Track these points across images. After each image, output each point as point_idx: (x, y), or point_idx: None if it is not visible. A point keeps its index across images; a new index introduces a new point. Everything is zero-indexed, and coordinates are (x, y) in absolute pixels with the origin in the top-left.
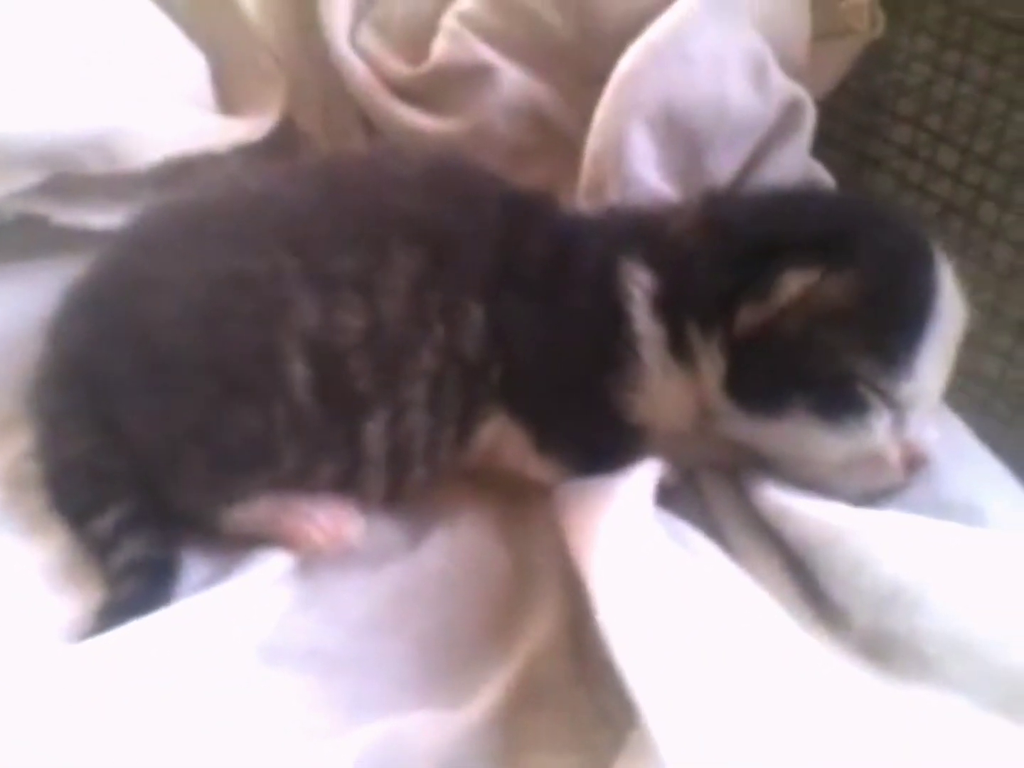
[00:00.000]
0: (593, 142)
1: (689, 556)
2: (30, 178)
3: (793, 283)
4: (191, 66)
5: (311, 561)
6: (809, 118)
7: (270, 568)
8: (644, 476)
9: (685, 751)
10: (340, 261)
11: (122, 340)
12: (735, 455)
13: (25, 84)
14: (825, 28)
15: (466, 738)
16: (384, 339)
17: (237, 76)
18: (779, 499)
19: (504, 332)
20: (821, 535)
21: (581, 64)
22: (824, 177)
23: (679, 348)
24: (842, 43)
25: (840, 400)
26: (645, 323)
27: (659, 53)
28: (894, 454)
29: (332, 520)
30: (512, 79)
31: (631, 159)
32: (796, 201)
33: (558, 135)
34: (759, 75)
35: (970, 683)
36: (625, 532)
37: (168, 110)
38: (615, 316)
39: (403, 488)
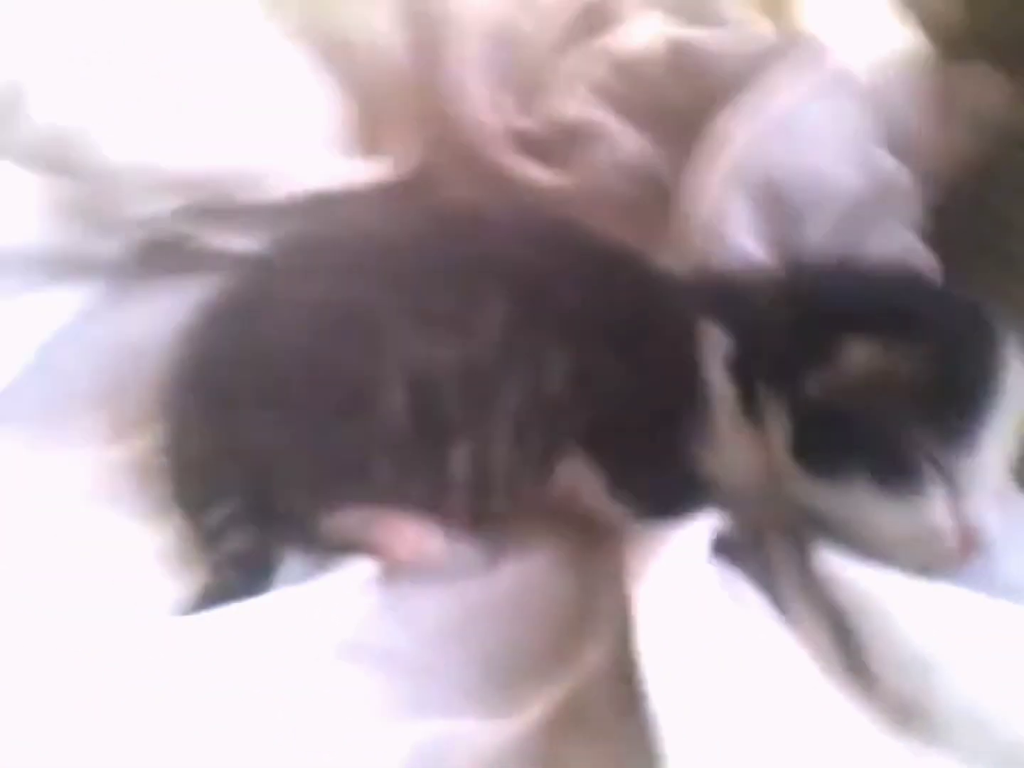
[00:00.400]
0: (689, 204)
1: (736, 607)
2: (180, 200)
3: (856, 351)
4: (337, 110)
5: (394, 571)
6: (908, 200)
7: (356, 573)
8: (702, 525)
9: None
10: (438, 300)
11: (243, 353)
12: (802, 518)
13: (183, 115)
14: None
15: (510, 746)
16: (474, 376)
17: (384, 120)
18: (831, 563)
19: (586, 379)
20: (858, 597)
21: (686, 124)
22: (925, 258)
23: (750, 409)
24: None
25: (898, 471)
26: (717, 380)
27: (770, 127)
28: (950, 531)
29: (417, 536)
30: (626, 140)
31: (729, 228)
32: (872, 277)
33: (663, 195)
34: (861, 155)
35: (979, 754)
36: (673, 576)
37: (310, 149)
38: (691, 373)
39: (486, 514)
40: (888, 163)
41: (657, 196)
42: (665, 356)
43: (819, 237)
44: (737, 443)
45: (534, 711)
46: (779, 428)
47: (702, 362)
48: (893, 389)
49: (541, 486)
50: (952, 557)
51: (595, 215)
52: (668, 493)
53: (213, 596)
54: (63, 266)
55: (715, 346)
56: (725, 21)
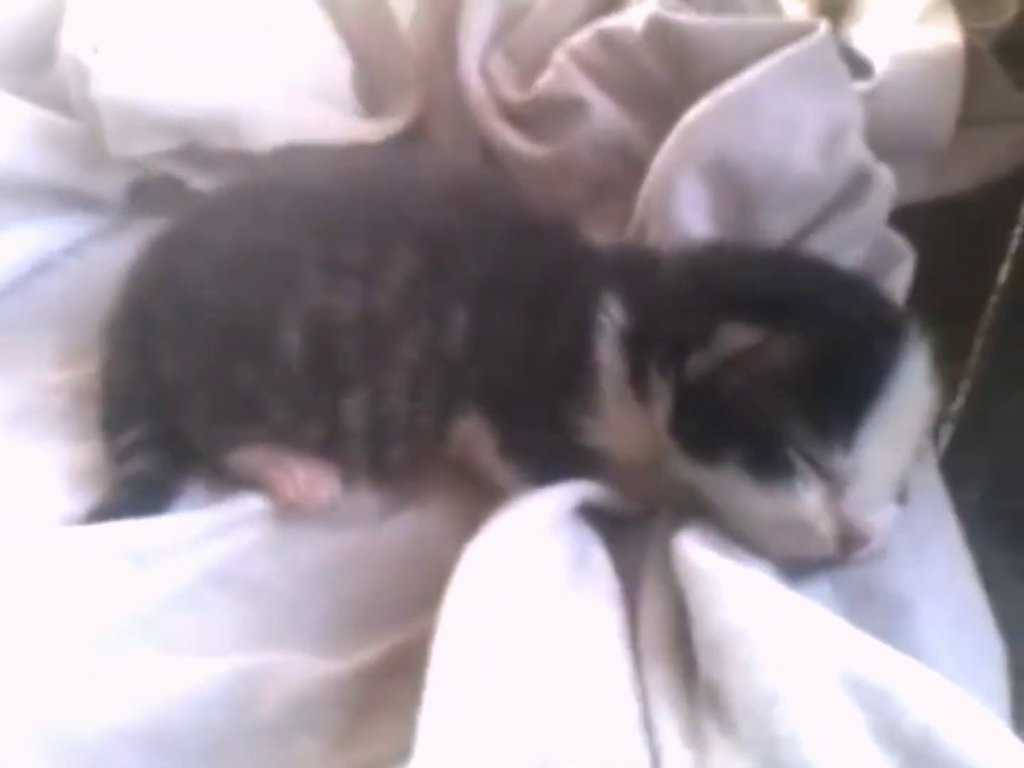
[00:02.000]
0: (646, 184)
1: (569, 576)
2: (166, 144)
3: (733, 337)
4: (333, 64)
5: (286, 511)
6: (878, 192)
7: (246, 507)
8: (562, 493)
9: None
10: (350, 251)
11: (165, 287)
12: (685, 497)
13: (171, 60)
14: (986, 112)
15: (326, 683)
16: (372, 327)
17: (379, 80)
18: (683, 543)
19: (485, 339)
20: (692, 576)
21: (672, 107)
22: (903, 250)
23: (638, 384)
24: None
25: (768, 460)
26: (607, 355)
27: (725, 105)
28: (824, 526)
29: (310, 479)
30: (604, 114)
31: (676, 204)
32: (777, 263)
33: (641, 173)
34: (831, 143)
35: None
36: (500, 538)
37: (297, 100)
38: (584, 345)
39: (384, 465)
40: (863, 156)
41: (634, 173)
42: (561, 325)
43: (776, 224)
44: (624, 418)
45: (369, 654)
46: (662, 407)
47: (595, 335)
48: (769, 378)
49: (438, 442)
50: (826, 552)
51: (569, 188)
52: (554, 460)
53: (103, 512)
54: (58, 200)
55: (611, 320)
56: (744, 10)
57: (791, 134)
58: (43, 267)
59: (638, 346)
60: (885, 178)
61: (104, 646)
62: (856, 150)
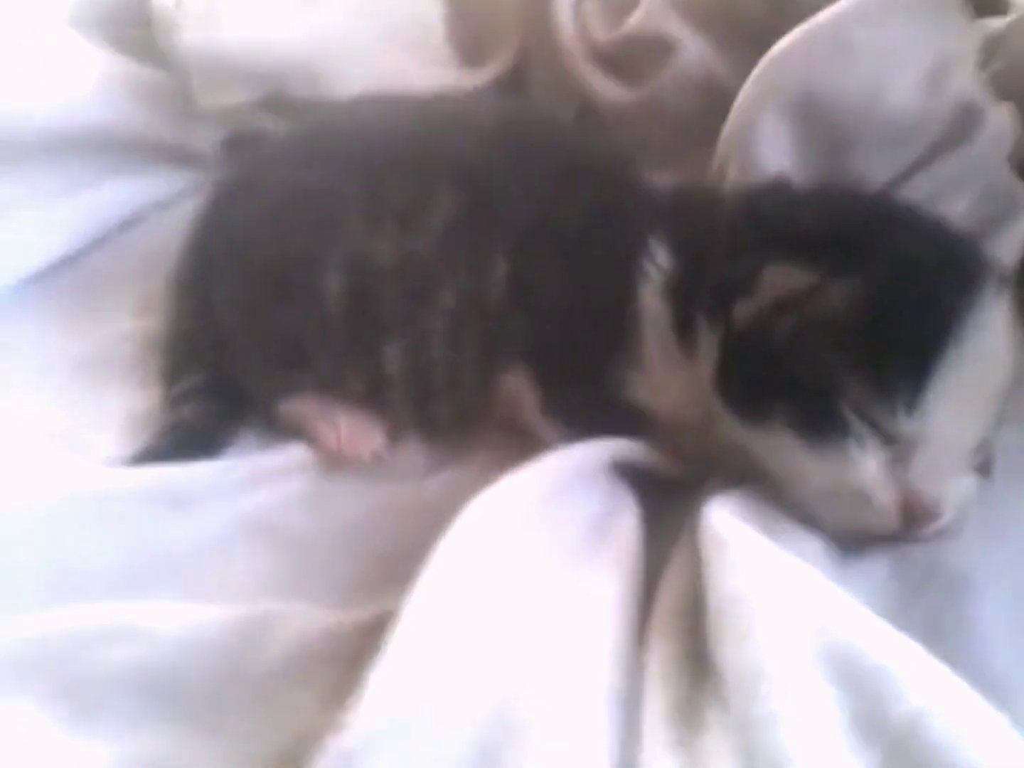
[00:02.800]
0: (727, 122)
1: (583, 537)
2: (250, 93)
3: (779, 279)
4: (427, 12)
5: (330, 464)
6: (990, 133)
7: (289, 457)
8: (588, 451)
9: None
10: (392, 194)
11: (220, 230)
12: (736, 461)
13: (256, 6)
14: None
15: (326, 637)
16: (411, 272)
17: (474, 28)
18: (713, 511)
19: (528, 287)
20: (710, 544)
21: (764, 44)
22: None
23: (685, 336)
24: None
25: (821, 420)
26: (652, 303)
27: (816, 35)
28: (885, 496)
29: (354, 431)
30: (694, 52)
31: (757, 143)
32: (842, 200)
33: None
34: (934, 78)
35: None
36: (504, 493)
37: (384, 48)
38: (627, 292)
39: (429, 420)
40: (972, 93)
41: (724, 115)
42: (604, 272)
43: (871, 166)
44: (670, 372)
45: (368, 610)
46: (709, 360)
47: (640, 282)
48: (823, 326)
49: (483, 397)
50: (888, 525)
51: (657, 133)
52: (597, 417)
53: (147, 455)
54: (151, 155)
55: (656, 266)
56: None
57: (889, 67)
58: (135, 221)
59: (686, 294)
60: (1002, 119)
61: (126, 586)
62: (964, 87)
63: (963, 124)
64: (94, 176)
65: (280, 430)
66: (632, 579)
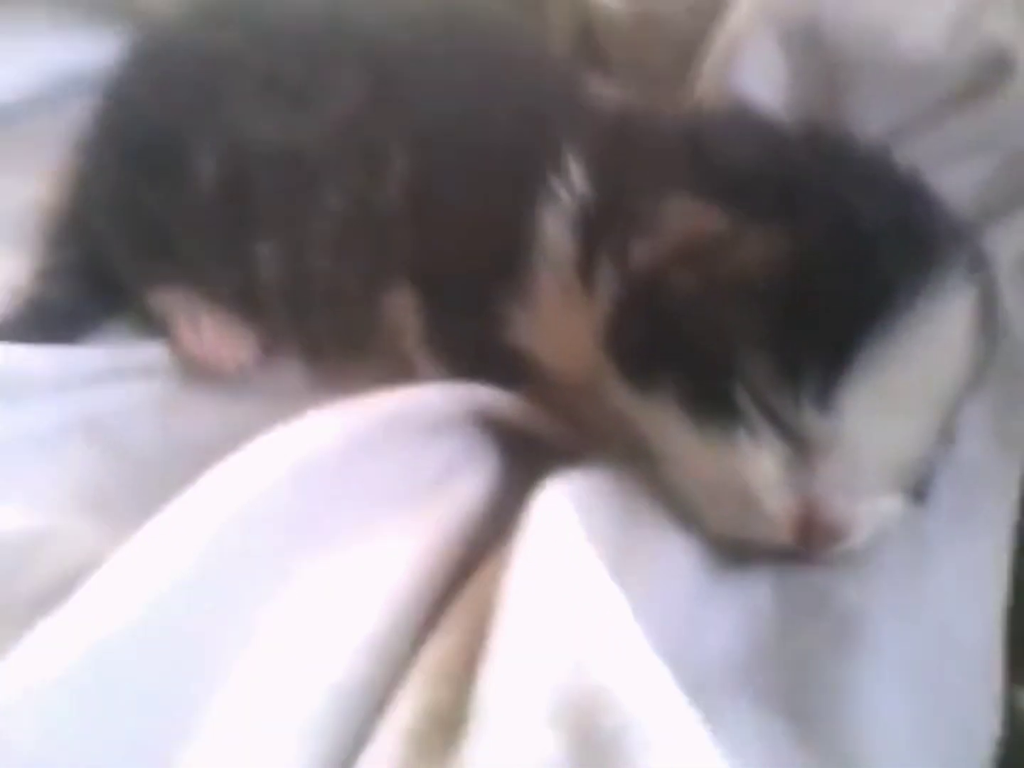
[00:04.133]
0: (714, 46)
1: (395, 495)
2: None
3: (677, 218)
4: None
5: (188, 370)
6: (1018, 85)
7: (142, 356)
8: (434, 394)
9: None
10: (291, 67)
11: (110, 97)
12: (624, 434)
13: None
14: None
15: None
16: (296, 162)
17: None
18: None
19: (424, 194)
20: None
21: None
22: None
23: (588, 276)
24: None
25: (711, 399)
26: (554, 229)
27: None
28: (778, 503)
29: (219, 336)
30: None
31: (741, 73)
32: (790, 136)
33: None
34: (961, 16)
35: None
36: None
37: None
38: (527, 212)
39: (309, 336)
40: (1006, 37)
41: None
42: (507, 186)
43: (870, 113)
44: (564, 316)
45: None
46: (601, 307)
47: (543, 202)
48: (731, 284)
49: (367, 316)
50: (780, 540)
51: (656, 54)
52: (481, 360)
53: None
54: (101, 11)
55: (569, 187)
56: None
57: (913, 6)
58: (80, 83)
59: (596, 226)
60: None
61: None
62: (996, 29)
63: (989, 74)
64: (32, 30)
65: (152, 324)
66: (435, 558)
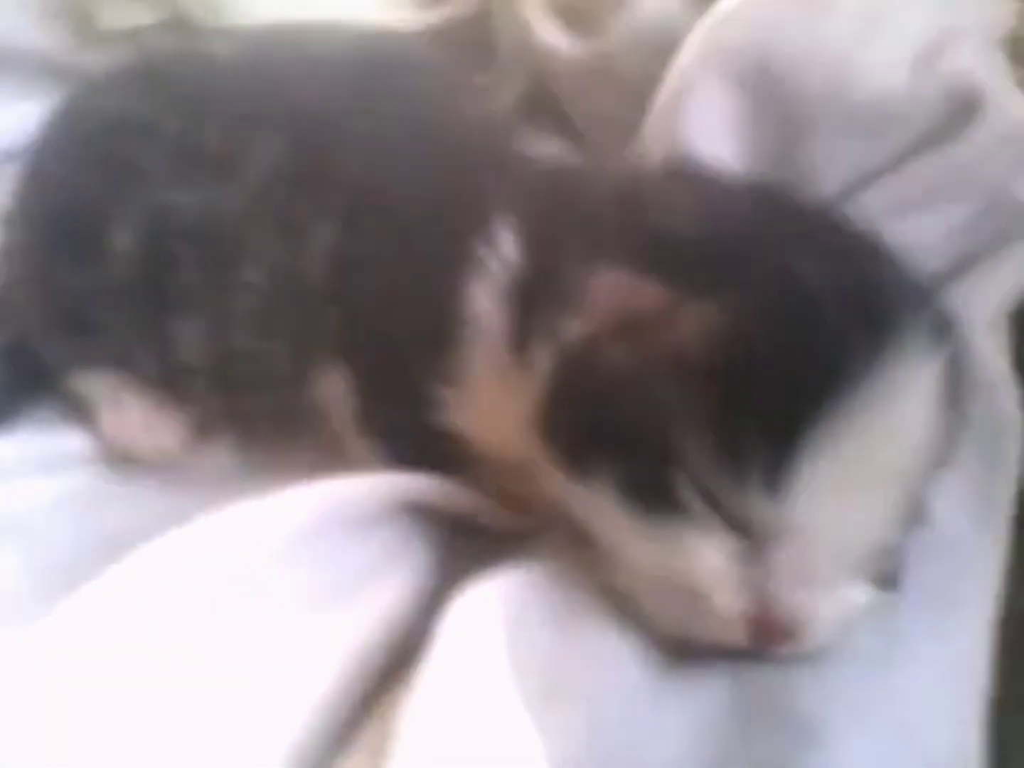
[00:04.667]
0: (662, 88)
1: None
2: (150, 17)
3: (606, 292)
4: None
5: (115, 459)
6: (989, 126)
7: (66, 446)
8: (371, 487)
9: None
10: (209, 135)
11: (31, 176)
12: (563, 522)
13: None
14: None
15: None
16: (215, 234)
17: None
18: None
19: (352, 265)
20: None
21: None
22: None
23: (523, 352)
24: None
25: (651, 489)
26: (483, 303)
27: None
28: (729, 600)
29: (144, 422)
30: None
31: (691, 118)
32: (735, 196)
33: None
34: (930, 51)
35: None
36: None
37: None
38: (455, 285)
39: (241, 416)
40: (975, 76)
41: None
42: (435, 259)
43: (834, 158)
44: (498, 396)
45: None
46: (537, 389)
47: (471, 274)
48: (667, 364)
49: (300, 396)
50: (730, 638)
51: (606, 96)
52: (411, 439)
53: None
54: (56, 77)
55: (500, 258)
56: None
57: (869, 33)
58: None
59: (529, 299)
60: (1012, 109)
61: None
62: (963, 65)
63: (957, 114)
64: None
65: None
66: (358, 663)
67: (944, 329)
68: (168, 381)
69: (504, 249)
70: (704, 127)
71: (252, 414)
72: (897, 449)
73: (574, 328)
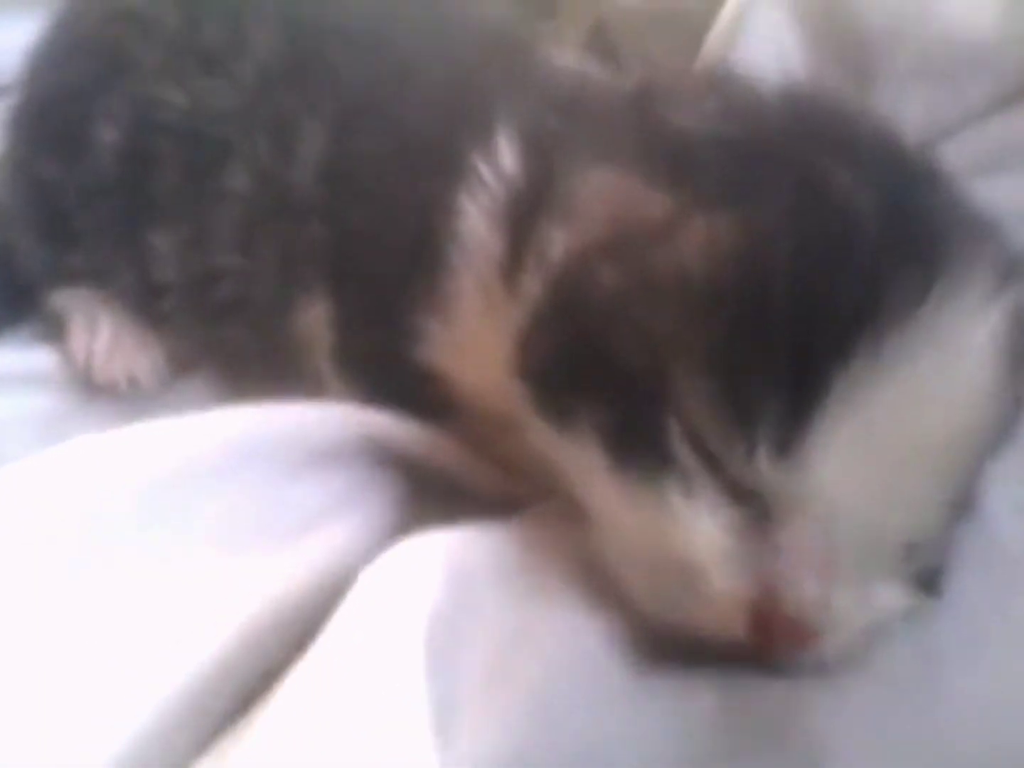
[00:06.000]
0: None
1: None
2: None
3: (599, 198)
4: None
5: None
6: None
7: (32, 366)
8: (322, 421)
9: None
10: (208, 25)
11: (33, 68)
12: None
13: None
14: None
15: None
16: (201, 134)
17: None
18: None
19: (343, 176)
20: None
21: None
22: None
23: (515, 275)
24: None
25: (638, 437)
26: (477, 224)
27: None
28: (727, 581)
29: (114, 345)
30: None
31: (749, 46)
32: (768, 100)
33: None
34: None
35: None
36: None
37: None
38: (448, 203)
39: (220, 346)
40: None
41: None
42: (429, 171)
43: (904, 107)
44: (484, 330)
45: None
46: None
47: (468, 191)
48: (665, 287)
49: (278, 327)
50: (728, 631)
51: (663, 38)
52: (387, 376)
53: None
54: None
55: (498, 172)
56: None
57: None
58: None
59: (525, 215)
60: None
61: None
62: None
63: None
64: None
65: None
66: (297, 600)
67: (1011, 272)
68: (145, 303)
69: (503, 161)
70: (760, 57)
71: (231, 346)
72: (943, 414)
73: (560, 242)
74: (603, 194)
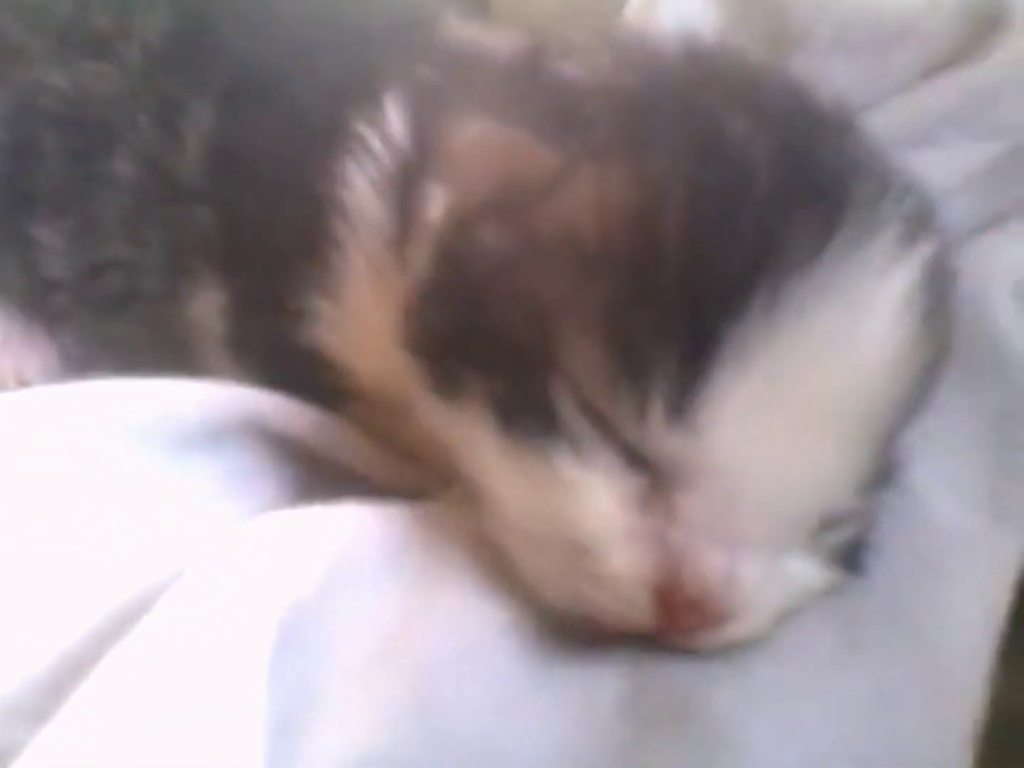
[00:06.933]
0: None
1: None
2: None
3: (471, 150)
4: None
5: None
6: (1013, 46)
7: None
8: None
9: None
10: (96, 7)
11: None
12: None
13: None
14: None
15: None
16: (88, 120)
17: None
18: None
19: (230, 157)
20: None
21: None
22: None
23: (403, 245)
24: None
25: (524, 405)
26: (365, 194)
27: None
28: (622, 558)
29: (4, 345)
30: None
31: (661, 12)
32: (664, 52)
33: None
34: None
35: None
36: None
37: None
38: (334, 174)
39: (115, 344)
40: None
41: None
42: (313, 143)
43: (833, 83)
44: (373, 308)
45: None
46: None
47: (354, 160)
48: (544, 248)
49: (171, 319)
50: (628, 614)
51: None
52: (280, 370)
53: None
54: None
55: (386, 138)
56: None
57: None
58: None
59: (412, 182)
60: None
61: None
62: None
63: (979, 30)
64: None
65: None
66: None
67: (925, 225)
68: (35, 301)
69: (390, 129)
70: (677, 23)
71: (126, 342)
72: (851, 373)
73: (440, 202)
74: (484, 149)
